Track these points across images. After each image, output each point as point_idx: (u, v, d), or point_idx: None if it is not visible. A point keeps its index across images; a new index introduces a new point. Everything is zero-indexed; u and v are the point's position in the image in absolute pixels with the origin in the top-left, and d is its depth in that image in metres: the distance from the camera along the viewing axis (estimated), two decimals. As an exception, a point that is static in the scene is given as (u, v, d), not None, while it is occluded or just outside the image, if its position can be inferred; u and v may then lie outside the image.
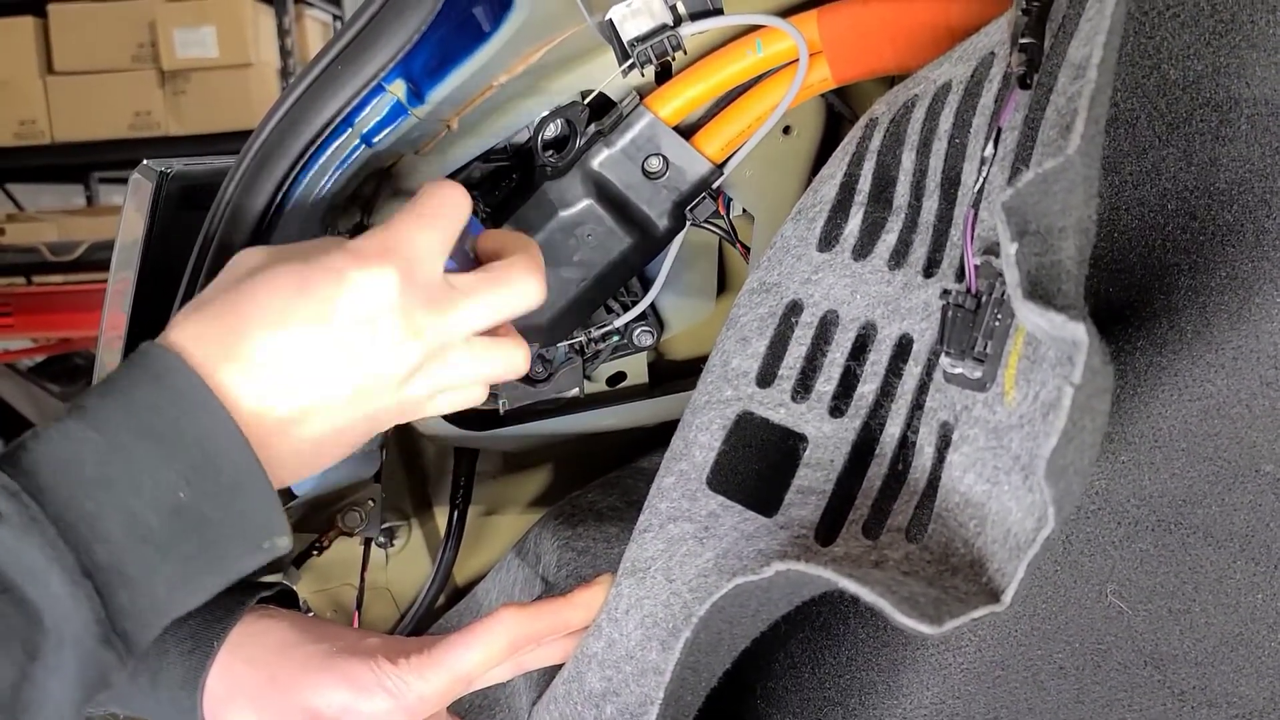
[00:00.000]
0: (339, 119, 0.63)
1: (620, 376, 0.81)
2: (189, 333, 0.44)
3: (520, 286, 0.50)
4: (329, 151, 0.64)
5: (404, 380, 0.47)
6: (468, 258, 0.55)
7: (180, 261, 0.70)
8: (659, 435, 0.79)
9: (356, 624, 0.79)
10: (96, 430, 0.41)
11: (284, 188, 0.64)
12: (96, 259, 2.69)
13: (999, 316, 0.45)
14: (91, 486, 0.40)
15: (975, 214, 0.47)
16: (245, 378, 0.44)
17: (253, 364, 0.44)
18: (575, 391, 0.78)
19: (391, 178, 0.71)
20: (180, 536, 0.42)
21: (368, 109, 0.63)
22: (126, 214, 0.83)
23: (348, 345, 0.45)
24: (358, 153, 0.65)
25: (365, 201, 0.71)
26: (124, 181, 0.81)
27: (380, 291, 0.46)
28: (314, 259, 0.46)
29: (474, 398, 0.51)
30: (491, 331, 0.51)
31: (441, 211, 0.49)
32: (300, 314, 0.45)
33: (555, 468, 0.89)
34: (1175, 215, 0.52)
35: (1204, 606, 0.52)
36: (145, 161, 0.79)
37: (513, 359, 0.51)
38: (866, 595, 0.40)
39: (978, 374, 0.46)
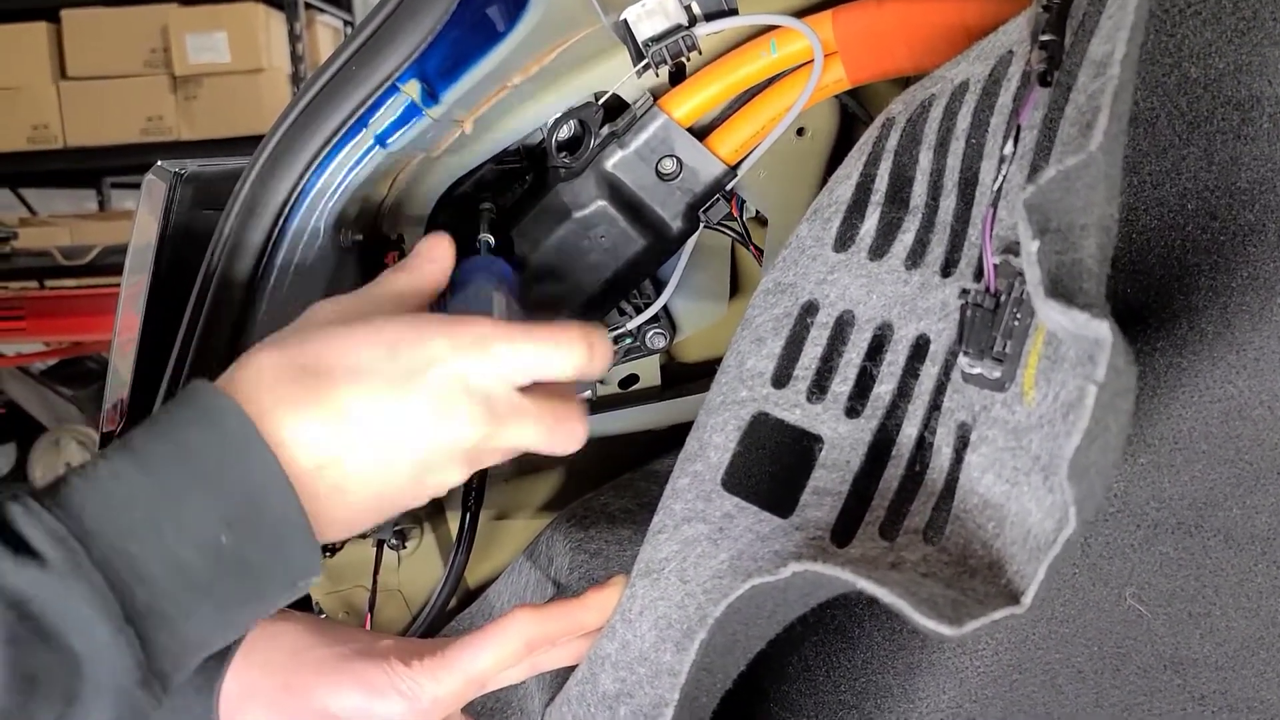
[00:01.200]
0: (353, 119, 0.63)
1: (633, 379, 0.81)
2: (254, 375, 0.44)
3: (571, 346, 0.49)
4: (343, 152, 0.64)
5: (465, 455, 0.47)
6: (517, 311, 0.56)
7: (194, 263, 0.70)
8: (671, 438, 0.78)
9: (369, 626, 0.79)
10: (145, 472, 0.41)
11: (299, 188, 0.64)
12: (108, 263, 2.70)
13: (1018, 316, 0.45)
14: (138, 529, 0.40)
15: (994, 212, 0.46)
16: (313, 428, 0.43)
17: (325, 416, 0.44)
18: (588, 394, 0.78)
19: (405, 179, 0.71)
20: (220, 579, 0.42)
21: (382, 109, 0.63)
22: (140, 217, 0.84)
23: (425, 415, 0.45)
24: (372, 153, 0.65)
25: (379, 204, 0.71)
26: (136, 187, 0.81)
27: (465, 366, 0.46)
28: (399, 319, 0.46)
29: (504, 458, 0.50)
30: (551, 394, 0.50)
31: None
32: (382, 371, 0.45)
33: (567, 471, 0.89)
34: (1196, 215, 0.51)
35: (1225, 610, 0.52)
36: (160, 163, 0.80)
37: (571, 435, 0.50)
38: (885, 596, 0.40)
39: (996, 374, 0.46)
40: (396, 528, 0.82)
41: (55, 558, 0.39)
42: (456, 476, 0.48)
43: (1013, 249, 0.47)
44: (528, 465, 0.88)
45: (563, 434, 0.49)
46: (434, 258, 0.54)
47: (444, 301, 0.56)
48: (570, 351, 0.48)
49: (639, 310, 0.76)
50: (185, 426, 0.42)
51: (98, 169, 3.34)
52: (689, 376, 0.82)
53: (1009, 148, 0.45)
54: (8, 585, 0.38)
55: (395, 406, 0.44)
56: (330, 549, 0.79)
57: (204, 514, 0.41)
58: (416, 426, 0.45)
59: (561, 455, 0.50)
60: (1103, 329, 0.36)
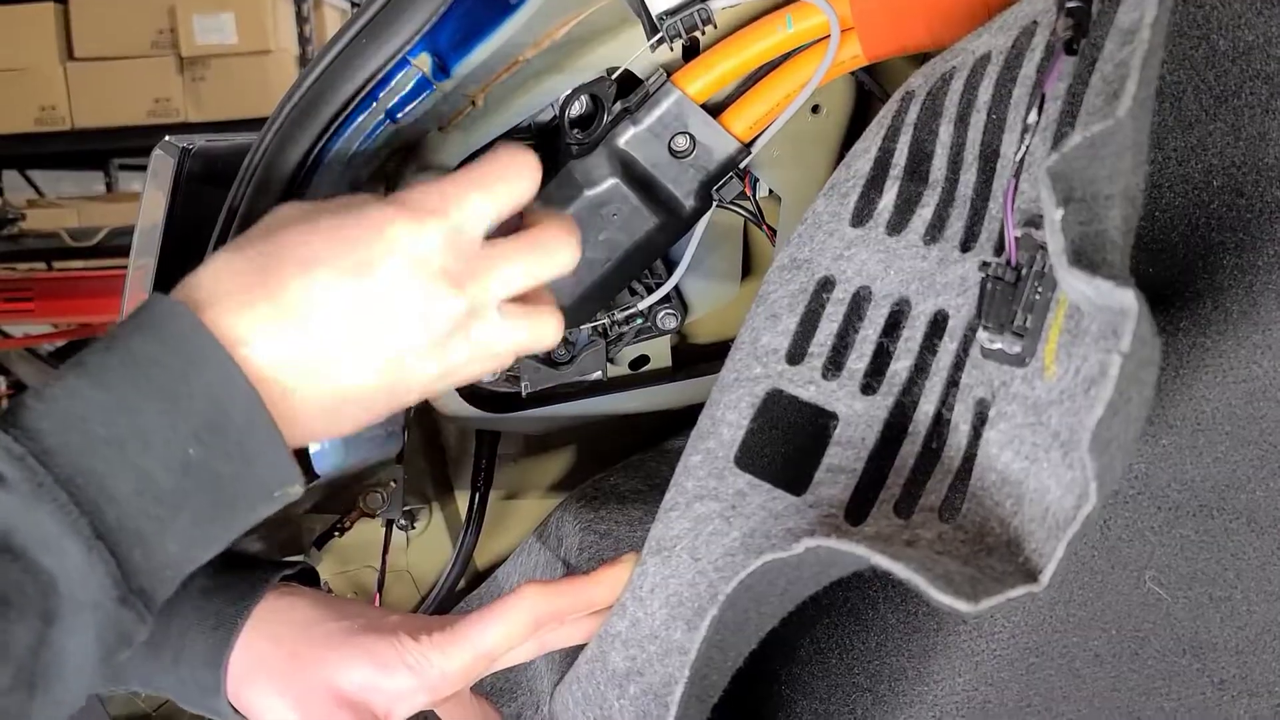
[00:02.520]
0: (364, 93, 0.62)
1: (643, 360, 0.81)
2: (210, 275, 0.43)
3: (556, 248, 0.49)
4: (353, 126, 0.63)
5: (437, 343, 0.45)
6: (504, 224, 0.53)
7: (202, 241, 0.69)
8: (682, 419, 0.78)
9: (378, 606, 0.79)
10: (102, 388, 0.40)
11: (308, 162, 0.63)
12: (116, 245, 2.70)
13: (1039, 290, 0.44)
14: (99, 446, 0.39)
15: (1016, 184, 0.45)
16: (266, 324, 0.42)
17: (276, 310, 0.42)
18: (598, 374, 0.78)
19: (415, 155, 0.70)
20: (191, 493, 0.40)
21: (393, 83, 0.62)
22: (147, 196, 0.83)
23: (383, 299, 0.43)
24: (382, 128, 0.64)
25: (388, 179, 0.71)
26: (143, 169, 0.81)
27: (422, 247, 0.44)
28: (357, 208, 0.44)
29: (499, 366, 0.49)
30: (524, 298, 0.49)
31: (504, 178, 0.47)
32: (335, 262, 0.43)
33: (577, 451, 0.88)
34: (1221, 192, 0.50)
35: (1245, 594, 0.51)
36: (167, 138, 0.79)
37: (546, 328, 0.49)
38: (900, 572, 0.39)
39: (1017, 348, 0.45)
40: (406, 508, 0.81)
41: (16, 477, 0.38)
42: (432, 370, 0.45)
43: (1034, 222, 0.46)
44: (537, 445, 0.87)
45: (539, 320, 0.48)
46: (519, 173, 0.49)
47: None
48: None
49: (650, 290, 0.76)
50: (136, 336, 0.41)
51: (105, 150, 3.33)
52: (700, 357, 0.82)
53: (1032, 117, 0.44)
54: (43, 557, 0.38)
55: (352, 294, 0.43)
56: (339, 528, 0.79)
57: (166, 426, 0.40)
58: (377, 314, 0.43)
59: (539, 347, 0.48)
60: (1127, 298, 0.35)
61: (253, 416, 0.41)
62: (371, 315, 0.43)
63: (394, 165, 0.70)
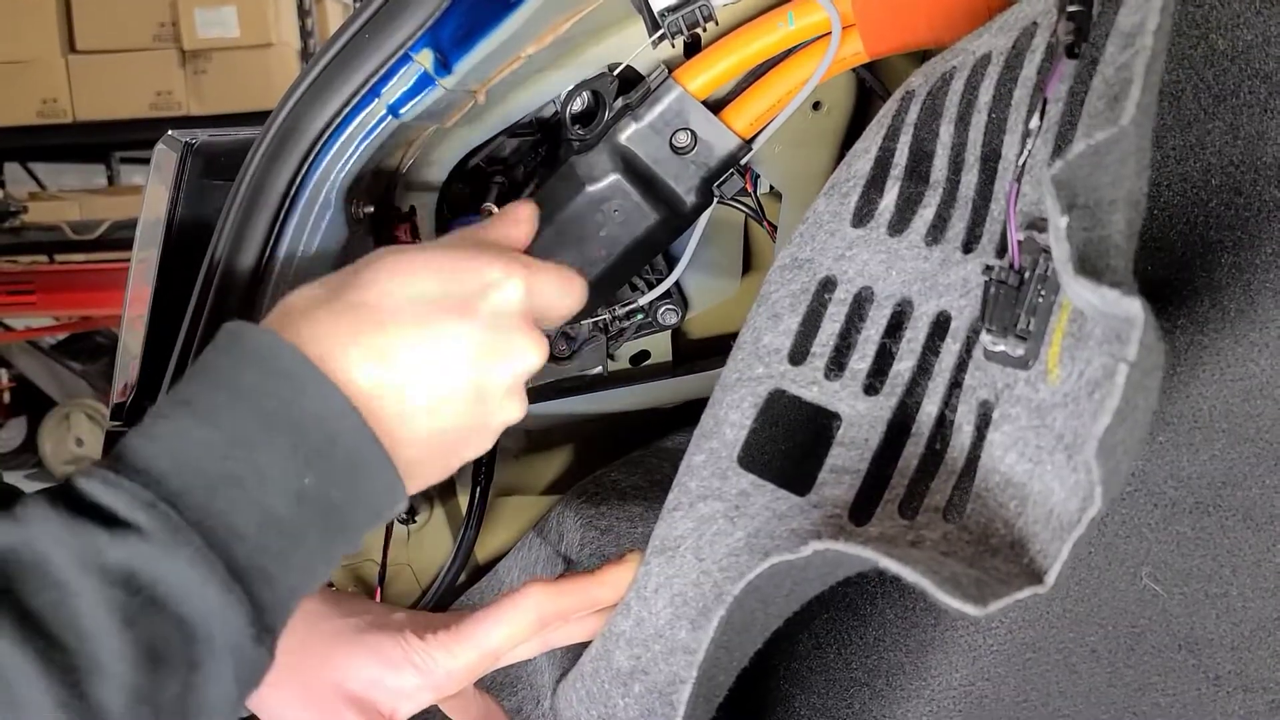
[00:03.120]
0: (366, 89, 0.62)
1: (644, 355, 0.81)
2: (302, 310, 0.43)
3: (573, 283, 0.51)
4: (355, 121, 0.63)
5: (518, 384, 0.47)
6: None
7: (204, 236, 0.69)
8: (682, 415, 0.78)
9: (378, 600, 0.79)
10: (214, 425, 0.40)
11: (310, 157, 0.63)
12: (118, 238, 2.70)
13: (1042, 293, 0.44)
14: (220, 485, 0.39)
15: (1018, 187, 0.46)
16: (364, 359, 0.42)
17: (375, 345, 0.43)
18: (598, 369, 0.78)
19: (418, 150, 0.70)
20: (308, 523, 0.41)
21: (395, 79, 0.62)
22: (150, 189, 0.83)
23: (479, 342, 0.45)
24: (384, 123, 0.64)
25: (391, 175, 0.71)
26: (145, 162, 0.81)
27: (516, 297, 0.46)
28: (448, 247, 0.46)
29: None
30: None
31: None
32: (439, 302, 0.44)
33: (578, 447, 0.88)
34: (1219, 191, 0.51)
35: (1241, 590, 0.52)
36: (170, 132, 0.79)
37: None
38: (908, 575, 0.39)
39: (1020, 351, 0.45)
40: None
41: (151, 525, 0.37)
42: (515, 410, 0.47)
43: (1037, 225, 0.46)
44: (538, 440, 0.87)
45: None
46: (520, 219, 0.53)
47: None
48: (574, 288, 0.50)
49: (651, 286, 0.76)
50: (238, 370, 0.41)
51: (107, 144, 3.33)
52: (700, 353, 0.82)
53: (1034, 121, 0.44)
54: (110, 561, 0.37)
55: (451, 331, 0.44)
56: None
57: (280, 458, 0.40)
58: (471, 353, 0.44)
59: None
60: (1134, 307, 0.35)
61: (360, 440, 0.41)
62: (467, 351, 0.45)
63: (396, 162, 0.70)
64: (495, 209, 0.67)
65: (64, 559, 0.36)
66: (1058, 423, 0.42)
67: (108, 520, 0.37)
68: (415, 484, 0.44)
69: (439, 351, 0.44)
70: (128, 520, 0.38)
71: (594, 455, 0.86)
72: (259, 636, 0.39)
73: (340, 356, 0.42)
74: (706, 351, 0.82)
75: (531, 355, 0.46)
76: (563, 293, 0.49)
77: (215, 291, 0.67)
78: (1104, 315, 0.38)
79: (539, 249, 0.70)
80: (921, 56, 0.65)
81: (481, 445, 0.47)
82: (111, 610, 0.36)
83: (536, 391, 0.77)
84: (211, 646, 0.38)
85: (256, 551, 0.39)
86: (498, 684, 0.74)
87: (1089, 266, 0.38)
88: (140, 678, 0.36)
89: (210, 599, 0.38)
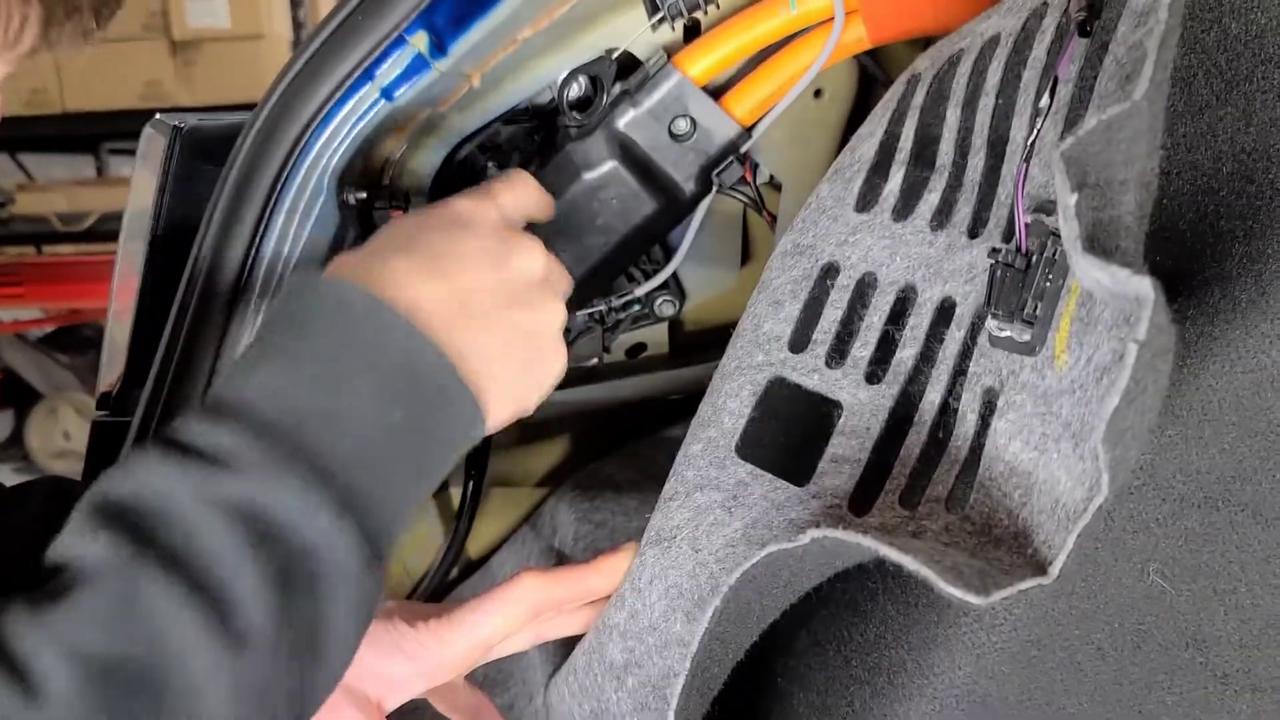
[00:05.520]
0: (359, 71, 0.61)
1: (640, 347, 0.80)
2: (353, 264, 0.45)
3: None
4: (349, 105, 0.62)
5: (559, 338, 0.50)
6: None
7: (192, 224, 0.68)
8: (678, 407, 0.77)
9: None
10: (301, 367, 0.42)
11: (303, 141, 0.62)
12: (106, 230, 2.68)
13: (1050, 277, 0.43)
14: (316, 420, 0.41)
15: (1027, 169, 0.45)
16: (427, 292, 0.45)
17: (435, 280, 0.45)
18: (594, 361, 0.77)
19: (411, 135, 0.69)
20: (400, 453, 0.42)
21: (389, 61, 0.61)
22: (137, 178, 0.82)
23: (521, 290, 0.48)
24: (377, 107, 0.63)
25: (384, 161, 0.70)
26: (134, 153, 0.79)
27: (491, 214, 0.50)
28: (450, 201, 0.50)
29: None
30: None
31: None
32: (460, 232, 0.48)
33: (572, 439, 0.87)
34: (1231, 179, 0.50)
35: (1250, 587, 0.51)
36: (158, 116, 0.78)
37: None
38: (909, 564, 0.38)
39: (1026, 337, 0.44)
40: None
41: (257, 459, 0.39)
42: (562, 360, 0.50)
43: (1045, 208, 0.45)
44: (531, 432, 0.86)
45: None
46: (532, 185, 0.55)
47: None
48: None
49: (648, 276, 0.75)
50: (317, 316, 0.43)
51: (96, 134, 3.31)
52: (698, 345, 0.81)
53: (1044, 101, 0.43)
54: (227, 496, 0.38)
55: (500, 277, 0.48)
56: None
57: (369, 393, 0.42)
58: (520, 298, 0.48)
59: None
60: (1144, 285, 0.34)
61: (441, 370, 0.43)
62: (489, 269, 0.48)
63: (390, 147, 0.69)
64: None
65: (185, 499, 0.38)
66: (1064, 410, 0.41)
67: (216, 459, 0.39)
68: (490, 419, 0.46)
69: (498, 296, 0.47)
70: (235, 457, 0.39)
71: (589, 447, 0.85)
72: (370, 563, 0.41)
73: (412, 299, 0.44)
74: (704, 343, 0.81)
75: (562, 311, 0.50)
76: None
77: (203, 281, 0.66)
78: (1113, 296, 0.37)
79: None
80: (924, 44, 0.64)
81: (537, 386, 0.49)
82: (239, 543, 0.38)
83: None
84: (330, 572, 0.39)
85: (356, 482, 0.41)
86: (490, 680, 0.73)
87: (1098, 247, 0.37)
88: (277, 603, 0.38)
89: (323, 526, 0.39)
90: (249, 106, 0.67)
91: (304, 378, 0.41)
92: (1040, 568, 0.40)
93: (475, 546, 0.85)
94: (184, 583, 0.37)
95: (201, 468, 0.39)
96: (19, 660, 0.34)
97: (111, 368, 0.79)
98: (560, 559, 0.72)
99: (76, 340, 2.96)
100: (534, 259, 0.50)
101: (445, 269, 0.46)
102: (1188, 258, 0.51)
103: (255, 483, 0.39)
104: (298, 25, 3.16)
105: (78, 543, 0.37)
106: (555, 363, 0.50)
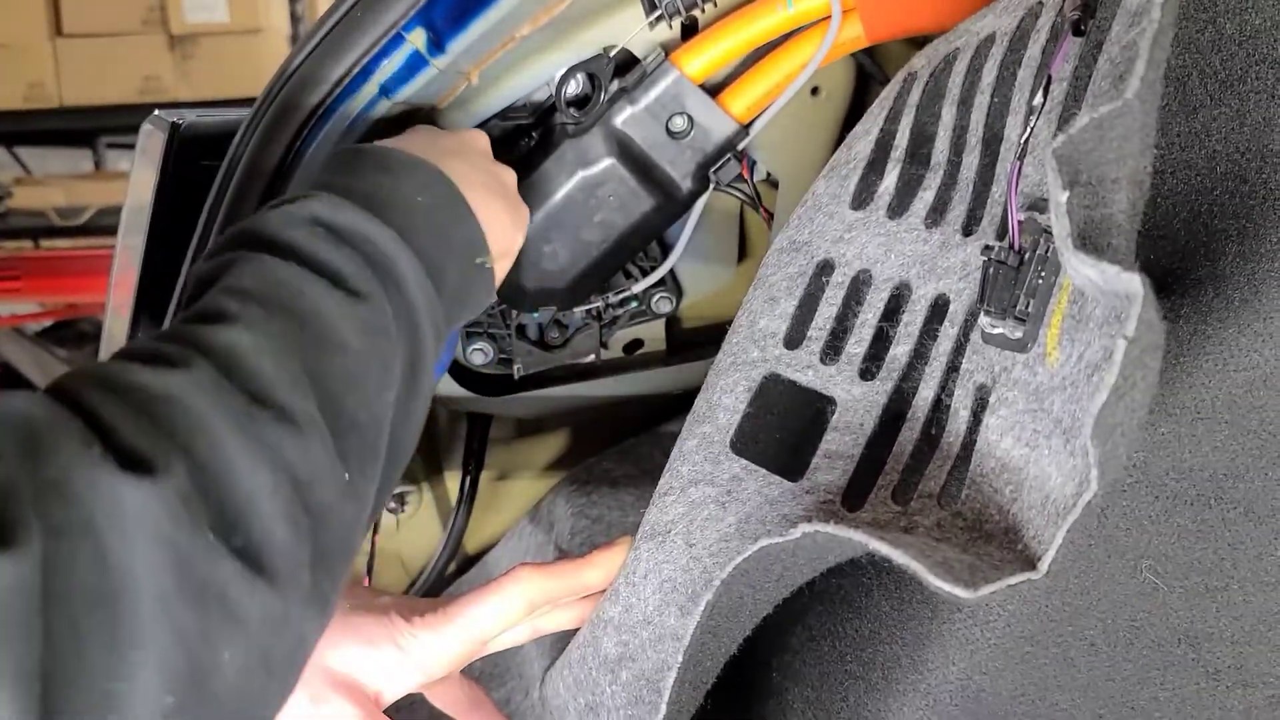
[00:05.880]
0: (358, 68, 0.61)
1: (637, 344, 0.80)
2: (370, 148, 0.57)
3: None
4: (347, 102, 0.62)
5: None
6: None
7: (191, 218, 0.68)
8: (675, 403, 0.77)
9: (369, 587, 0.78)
10: (362, 179, 0.52)
11: (302, 137, 0.62)
12: (104, 224, 2.67)
13: (1042, 274, 0.44)
14: (363, 187, 0.51)
15: (1020, 166, 0.45)
16: (442, 160, 0.57)
17: (443, 152, 0.58)
18: (591, 357, 0.77)
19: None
20: (429, 232, 0.52)
21: (387, 59, 0.61)
22: (135, 175, 0.82)
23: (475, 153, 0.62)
24: (375, 105, 0.63)
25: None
26: (132, 147, 0.79)
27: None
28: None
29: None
30: None
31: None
32: (442, 134, 0.62)
33: (569, 435, 0.88)
34: (1225, 178, 0.50)
35: (1242, 584, 0.51)
36: (157, 111, 0.78)
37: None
38: (899, 558, 0.39)
39: (1019, 334, 0.45)
40: (395, 491, 0.81)
41: (318, 196, 0.49)
42: (523, 208, 0.63)
43: (1038, 205, 0.45)
44: (529, 428, 0.86)
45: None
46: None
47: None
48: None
49: (645, 273, 0.75)
50: (367, 162, 0.54)
51: (94, 129, 3.30)
52: (694, 342, 0.81)
53: (1038, 99, 0.43)
54: (304, 214, 0.48)
55: (484, 164, 0.62)
56: None
57: (403, 181, 0.53)
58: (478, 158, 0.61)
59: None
60: (1134, 282, 0.35)
61: (452, 193, 0.55)
62: (472, 153, 0.61)
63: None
64: None
65: (275, 222, 0.48)
66: (1055, 406, 0.42)
67: (284, 202, 0.49)
68: (490, 234, 0.57)
69: (452, 152, 0.59)
70: (298, 198, 0.49)
71: (586, 443, 0.86)
72: (436, 291, 0.50)
73: (426, 157, 0.56)
74: (701, 340, 0.81)
75: (511, 172, 0.64)
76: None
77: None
78: (1104, 293, 0.38)
79: (532, 234, 0.69)
80: (921, 42, 0.65)
81: (520, 227, 0.62)
82: (327, 245, 0.47)
83: (529, 379, 0.76)
84: (403, 273, 0.49)
85: (403, 221, 0.50)
86: (487, 675, 0.74)
87: (1090, 245, 0.37)
88: (371, 274, 0.47)
89: (387, 238, 0.48)
90: (247, 101, 0.67)
91: (358, 181, 0.52)
92: (1030, 563, 0.40)
93: (473, 543, 0.85)
94: (301, 264, 0.46)
95: (281, 208, 0.49)
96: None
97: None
98: (558, 554, 0.73)
99: (74, 334, 2.96)
100: (483, 139, 0.64)
101: (429, 144, 0.59)
102: (1181, 257, 0.51)
103: (326, 207, 0.48)
104: (295, 20, 3.16)
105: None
106: (523, 208, 0.63)
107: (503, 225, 0.60)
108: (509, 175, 0.64)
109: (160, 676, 0.34)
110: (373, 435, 0.45)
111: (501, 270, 0.60)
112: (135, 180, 0.81)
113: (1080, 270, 0.37)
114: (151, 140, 0.79)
